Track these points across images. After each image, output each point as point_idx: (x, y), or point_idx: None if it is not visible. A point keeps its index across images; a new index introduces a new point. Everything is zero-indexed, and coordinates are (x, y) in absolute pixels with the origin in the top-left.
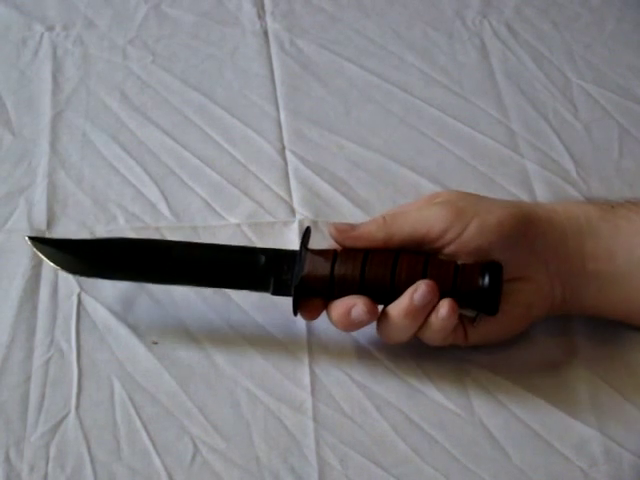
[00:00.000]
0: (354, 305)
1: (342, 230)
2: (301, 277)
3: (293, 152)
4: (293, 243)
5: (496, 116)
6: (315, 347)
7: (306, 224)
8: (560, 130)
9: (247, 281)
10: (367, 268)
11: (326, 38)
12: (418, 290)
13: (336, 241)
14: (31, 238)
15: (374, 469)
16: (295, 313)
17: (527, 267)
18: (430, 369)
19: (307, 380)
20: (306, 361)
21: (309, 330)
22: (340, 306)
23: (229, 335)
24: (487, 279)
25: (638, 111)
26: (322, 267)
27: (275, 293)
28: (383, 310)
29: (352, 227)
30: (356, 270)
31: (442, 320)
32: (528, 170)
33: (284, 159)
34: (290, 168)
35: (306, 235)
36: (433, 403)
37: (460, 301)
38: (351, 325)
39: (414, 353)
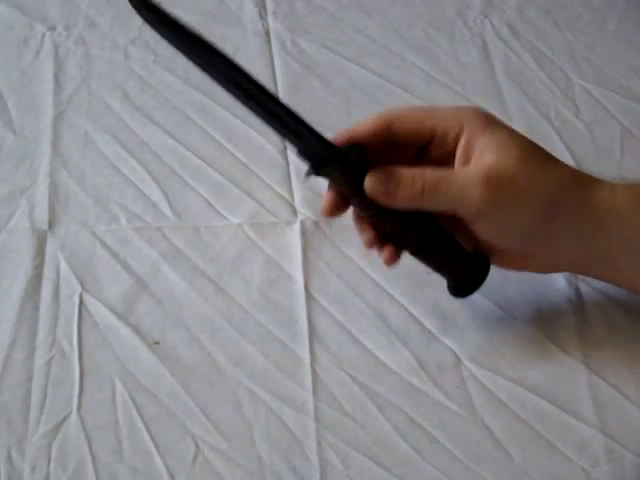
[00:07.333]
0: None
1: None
2: None
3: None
4: (295, 243)
5: (498, 116)
6: (317, 347)
7: (308, 224)
8: (561, 130)
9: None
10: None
11: (328, 38)
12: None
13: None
14: None
15: (376, 469)
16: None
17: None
18: (432, 369)
19: (309, 380)
20: (308, 361)
21: (311, 330)
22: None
23: (231, 335)
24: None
25: None
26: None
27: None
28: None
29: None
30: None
31: None
32: None
33: (286, 159)
34: (292, 168)
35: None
36: (435, 403)
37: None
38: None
39: (416, 352)
